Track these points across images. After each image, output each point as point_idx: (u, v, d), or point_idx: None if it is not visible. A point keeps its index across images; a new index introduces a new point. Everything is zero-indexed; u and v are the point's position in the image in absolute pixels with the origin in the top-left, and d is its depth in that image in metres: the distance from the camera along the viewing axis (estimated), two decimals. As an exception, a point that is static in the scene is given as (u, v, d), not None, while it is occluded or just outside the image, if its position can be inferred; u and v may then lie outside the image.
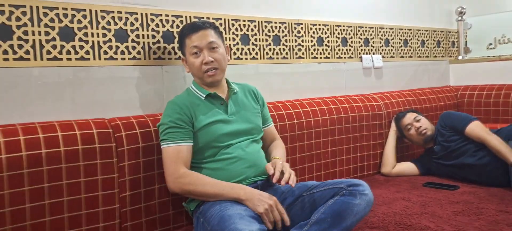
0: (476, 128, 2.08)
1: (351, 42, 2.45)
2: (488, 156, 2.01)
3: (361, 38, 2.50)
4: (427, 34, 2.90)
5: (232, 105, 1.60)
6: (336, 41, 2.37)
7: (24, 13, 1.44)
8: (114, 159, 1.47)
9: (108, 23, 1.61)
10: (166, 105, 1.54)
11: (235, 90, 1.63)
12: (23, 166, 1.29)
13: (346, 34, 2.42)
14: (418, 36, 2.84)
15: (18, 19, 1.43)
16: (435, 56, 2.97)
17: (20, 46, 1.44)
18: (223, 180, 1.46)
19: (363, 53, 2.51)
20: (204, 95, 1.55)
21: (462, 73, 2.98)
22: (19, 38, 1.43)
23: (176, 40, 1.77)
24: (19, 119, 1.42)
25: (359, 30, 2.48)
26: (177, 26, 1.78)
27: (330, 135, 2.10)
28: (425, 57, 2.90)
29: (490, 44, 2.92)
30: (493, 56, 2.87)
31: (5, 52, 1.41)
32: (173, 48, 1.78)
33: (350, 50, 2.45)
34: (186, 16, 1.80)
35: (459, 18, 3.00)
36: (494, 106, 2.59)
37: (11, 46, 1.42)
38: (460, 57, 3.03)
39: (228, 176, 1.49)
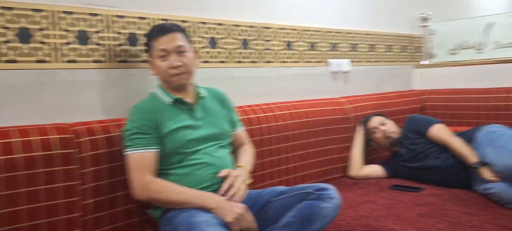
0: (439, 131, 2.14)
1: (319, 46, 2.47)
2: (451, 158, 2.07)
3: (329, 43, 2.52)
4: (393, 39, 2.96)
5: (200, 110, 1.57)
6: (305, 46, 2.39)
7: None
8: (75, 166, 1.41)
9: (69, 24, 1.55)
10: (131, 110, 1.49)
11: (203, 95, 1.60)
12: (-25, 174, 1.23)
13: (314, 38, 2.43)
14: (384, 41, 2.90)
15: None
16: (401, 61, 3.04)
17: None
18: (190, 186, 1.44)
19: (331, 58, 2.54)
20: (170, 100, 1.52)
21: (427, 77, 3.07)
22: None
23: (140, 42, 1.73)
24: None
25: (327, 35, 2.50)
26: (142, 28, 1.74)
27: (299, 139, 2.11)
28: (391, 62, 2.96)
29: (453, 49, 3.02)
30: (456, 61, 2.96)
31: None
32: (138, 50, 1.73)
33: (318, 54, 2.46)
34: (151, 18, 1.77)
35: (423, 24, 3.08)
36: (457, 109, 2.67)
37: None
38: (424, 62, 3.11)
39: (196, 182, 1.46)
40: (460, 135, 2.15)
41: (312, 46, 2.43)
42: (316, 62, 2.46)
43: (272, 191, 1.52)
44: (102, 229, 1.47)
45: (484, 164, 1.88)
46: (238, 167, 1.59)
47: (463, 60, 2.91)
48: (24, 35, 1.45)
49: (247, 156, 1.69)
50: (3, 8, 1.41)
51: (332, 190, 1.43)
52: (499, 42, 2.76)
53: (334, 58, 2.55)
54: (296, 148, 2.10)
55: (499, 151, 1.81)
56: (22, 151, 1.30)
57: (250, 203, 1.48)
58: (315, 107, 2.24)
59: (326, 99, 2.38)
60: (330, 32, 2.52)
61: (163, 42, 1.49)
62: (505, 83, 2.56)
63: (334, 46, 2.55)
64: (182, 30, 1.55)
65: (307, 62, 2.41)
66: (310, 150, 2.17)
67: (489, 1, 4.16)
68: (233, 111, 1.73)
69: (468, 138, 2.09)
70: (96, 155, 1.46)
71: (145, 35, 1.60)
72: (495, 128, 2.00)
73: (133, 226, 1.55)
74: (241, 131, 1.76)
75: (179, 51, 1.50)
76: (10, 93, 1.44)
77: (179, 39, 1.51)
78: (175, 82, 1.51)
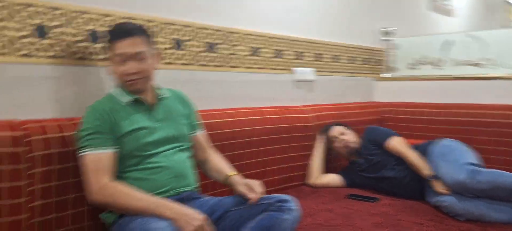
0: (396, 143, 2.20)
1: (285, 54, 2.49)
2: (406, 170, 2.13)
3: (294, 51, 2.54)
4: (356, 51, 3.03)
5: (159, 111, 1.53)
6: (270, 53, 2.40)
7: None
8: (23, 165, 1.34)
9: (26, 17, 1.48)
10: (86, 110, 1.44)
11: (163, 96, 1.56)
12: None
13: (280, 46, 2.45)
14: (348, 53, 2.96)
15: None
16: (362, 73, 3.12)
17: None
18: (147, 191, 1.39)
19: (296, 66, 2.56)
20: (128, 100, 1.48)
21: (386, 90, 3.16)
22: None
23: (102, 40, 1.68)
24: None
25: (292, 43, 2.53)
26: (105, 25, 1.68)
27: (260, 146, 2.11)
28: (353, 73, 3.03)
29: (412, 64, 3.12)
30: (414, 75, 3.07)
31: None
32: (98, 48, 1.67)
33: (283, 62, 2.48)
34: (116, 16, 1.71)
35: (385, 38, 3.17)
36: (414, 122, 2.76)
37: None
38: (384, 75, 3.20)
39: (153, 187, 1.42)
40: (415, 147, 2.22)
41: (278, 53, 2.44)
42: (281, 69, 2.47)
43: (232, 199, 1.50)
44: (51, 232, 1.41)
45: (436, 177, 1.95)
46: (231, 175, 1.57)
47: (421, 75, 3.01)
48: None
49: (226, 164, 1.68)
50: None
51: (292, 202, 1.43)
52: (456, 60, 2.88)
53: (299, 66, 2.58)
54: (257, 154, 2.10)
55: (450, 165, 1.88)
56: (-35, 147, 1.23)
57: (210, 210, 1.45)
58: (278, 115, 2.25)
59: (289, 107, 2.40)
60: (296, 40, 2.55)
61: (122, 47, 1.43)
62: (460, 99, 2.68)
63: (299, 55, 2.58)
64: (144, 33, 1.49)
65: (272, 69, 2.42)
66: (271, 157, 2.17)
67: (449, 19, 4.35)
68: (194, 114, 1.70)
69: (422, 151, 2.16)
70: (47, 154, 1.39)
71: (106, 33, 1.53)
72: (448, 142, 2.08)
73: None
74: (202, 135, 1.73)
75: (138, 58, 1.45)
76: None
77: (138, 45, 1.44)
78: (130, 87, 1.47)
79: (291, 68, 2.54)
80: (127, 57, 1.43)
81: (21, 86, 1.49)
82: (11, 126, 1.35)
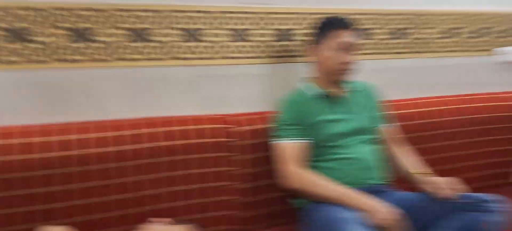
0: None
1: (486, 32, 2.17)
2: None
3: (498, 29, 2.19)
4: None
5: (347, 103, 1.55)
6: (466, 33, 2.12)
7: (149, 17, 1.57)
8: (226, 153, 1.54)
9: (226, 23, 1.68)
10: (282, 103, 1.56)
11: (351, 89, 1.57)
12: (144, 156, 1.44)
13: (480, 24, 2.14)
14: None
15: (142, 21, 1.57)
16: None
17: (147, 48, 1.58)
18: (336, 180, 1.42)
19: (501, 45, 2.21)
20: (317, 94, 1.53)
21: None
22: (148, 39, 1.57)
23: (289, 38, 1.78)
24: (148, 112, 1.57)
25: (495, 20, 2.18)
26: (291, 24, 1.78)
27: (454, 138, 1.91)
28: None
29: None
30: None
31: (140, 52, 1.57)
32: (288, 47, 1.78)
33: (483, 42, 2.17)
34: (300, 13, 1.79)
35: None
36: None
37: (147, 47, 1.58)
38: None
39: (340, 176, 1.45)
40: None
41: (477, 32, 2.15)
42: (480, 50, 2.16)
43: (423, 195, 1.41)
44: (246, 214, 1.58)
45: None
46: (416, 173, 1.50)
47: None
48: (189, 35, 1.63)
49: (409, 158, 1.60)
50: (175, 11, 1.60)
51: (496, 203, 1.27)
52: None
53: (505, 46, 2.21)
54: (450, 148, 1.90)
55: None
56: (181, 138, 1.48)
57: (399, 204, 1.38)
58: (476, 103, 1.99)
59: (491, 93, 2.09)
60: (501, 16, 2.18)
61: (349, 36, 1.48)
62: None
63: (506, 32, 2.21)
64: None
65: (468, 51, 2.14)
66: (468, 152, 1.94)
67: None
68: (381, 106, 1.65)
69: None
70: (245, 144, 1.56)
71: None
72: None
73: (275, 213, 1.62)
74: (389, 128, 1.66)
75: (353, 51, 1.50)
76: (179, 86, 1.64)
77: (357, 38, 1.50)
78: (339, 77, 1.52)
79: (494, 48, 2.19)
80: (349, 47, 1.48)
81: (226, 84, 1.71)
82: (216, 119, 1.57)
